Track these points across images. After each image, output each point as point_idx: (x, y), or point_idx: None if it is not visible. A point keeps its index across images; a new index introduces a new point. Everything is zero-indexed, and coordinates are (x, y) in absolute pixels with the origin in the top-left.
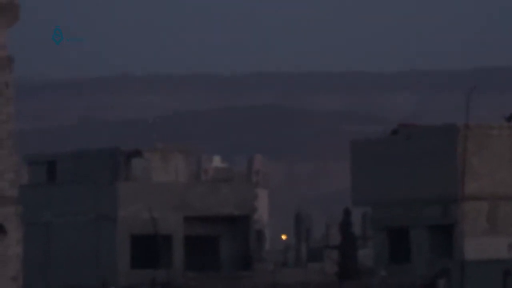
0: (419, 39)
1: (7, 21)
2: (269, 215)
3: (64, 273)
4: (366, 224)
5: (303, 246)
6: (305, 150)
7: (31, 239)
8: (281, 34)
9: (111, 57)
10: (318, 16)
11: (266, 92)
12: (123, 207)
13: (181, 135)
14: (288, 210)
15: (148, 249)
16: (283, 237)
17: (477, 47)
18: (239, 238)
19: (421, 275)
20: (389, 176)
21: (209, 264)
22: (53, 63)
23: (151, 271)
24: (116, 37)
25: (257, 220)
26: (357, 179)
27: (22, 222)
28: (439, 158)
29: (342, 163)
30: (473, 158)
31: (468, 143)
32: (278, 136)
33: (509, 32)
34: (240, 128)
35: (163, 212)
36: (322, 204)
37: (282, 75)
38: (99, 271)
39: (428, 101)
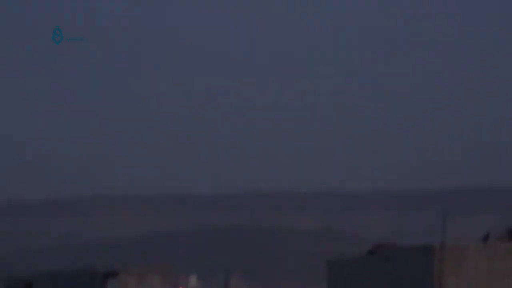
0: (395, 157)
1: None
2: None
3: None
4: None
5: None
6: (282, 270)
7: None
8: (258, 152)
9: (88, 177)
10: (295, 132)
11: (241, 212)
12: None
13: (157, 255)
14: None
15: None
16: None
17: (452, 166)
18: None
19: None
20: None
21: None
22: (28, 185)
23: None
24: (87, 157)
25: None
26: None
27: None
28: (416, 278)
29: (320, 283)
30: (449, 278)
31: (445, 263)
32: (254, 255)
33: (483, 150)
34: (217, 248)
35: None
36: None
37: (258, 195)
38: None
39: (403, 220)
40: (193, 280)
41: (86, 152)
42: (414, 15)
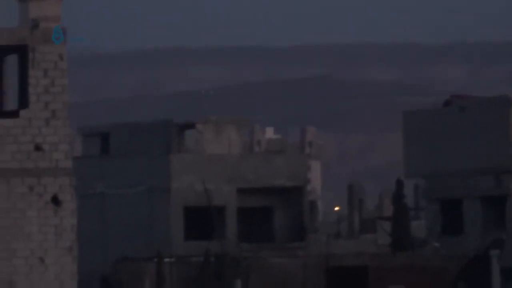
0: (471, 10)
1: None
2: (322, 186)
3: (119, 244)
4: (418, 195)
5: (356, 217)
6: (357, 122)
7: (85, 211)
8: (332, 6)
9: (163, 30)
10: None
11: (318, 64)
12: (176, 179)
13: (234, 107)
14: (340, 182)
15: (202, 220)
16: (336, 208)
17: None
18: (292, 209)
19: (474, 246)
20: (442, 148)
21: (262, 235)
22: (106, 35)
23: (204, 242)
24: (169, 10)
25: (310, 192)
26: (410, 150)
27: (76, 193)
28: (492, 129)
29: (395, 134)
30: None
31: None
32: (331, 108)
33: None
34: (293, 100)
35: (216, 183)
36: (374, 176)
37: (334, 46)
38: (154, 242)
39: (479, 72)
40: (269, 131)
41: (163, 4)
42: None
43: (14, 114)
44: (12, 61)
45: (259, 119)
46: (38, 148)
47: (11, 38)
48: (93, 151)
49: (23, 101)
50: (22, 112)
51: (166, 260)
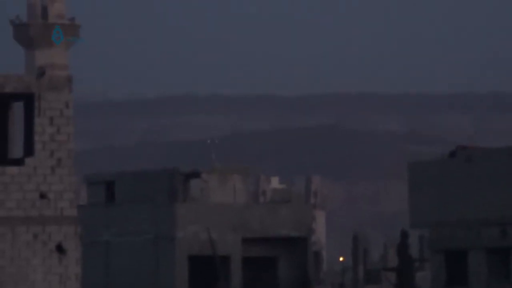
0: (478, 61)
1: (68, 42)
2: (327, 236)
3: None
4: (423, 246)
5: (361, 268)
6: (364, 171)
7: (90, 259)
8: (339, 55)
9: (172, 77)
10: (380, 37)
11: (325, 113)
12: (182, 228)
13: (239, 155)
14: (346, 231)
15: (206, 269)
16: (341, 258)
17: None
18: (296, 259)
19: None
20: (447, 198)
21: (266, 285)
22: (112, 84)
23: None
24: (176, 58)
25: (315, 242)
26: (415, 200)
27: (81, 242)
28: (498, 180)
29: (401, 184)
30: None
31: None
32: (337, 156)
33: None
34: (299, 148)
35: (221, 233)
36: (380, 225)
37: (341, 96)
38: None
39: (486, 122)
40: (274, 180)
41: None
42: None
43: (19, 162)
44: (18, 108)
45: (264, 168)
46: (43, 196)
47: (17, 85)
48: (98, 199)
49: (29, 149)
50: (28, 160)
51: None
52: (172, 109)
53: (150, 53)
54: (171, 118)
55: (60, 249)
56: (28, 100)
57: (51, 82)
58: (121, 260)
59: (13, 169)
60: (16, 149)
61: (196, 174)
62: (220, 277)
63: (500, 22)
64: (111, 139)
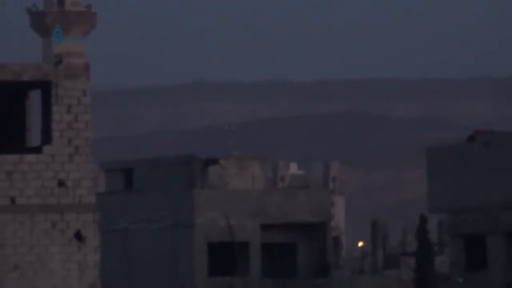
0: (496, 47)
1: (84, 29)
2: (346, 222)
3: (142, 280)
4: (442, 231)
5: (380, 253)
6: (382, 157)
7: (108, 247)
8: (356, 41)
9: (188, 64)
10: (396, 22)
11: (343, 99)
12: (200, 215)
13: (257, 142)
14: (364, 217)
15: (225, 256)
16: (360, 244)
17: None
18: (315, 245)
19: (498, 282)
20: (465, 183)
21: (286, 272)
22: (127, 72)
23: (228, 279)
24: (192, 45)
25: (334, 227)
26: (433, 186)
27: (100, 229)
28: None
29: (419, 170)
30: None
31: None
32: (355, 143)
33: None
34: (317, 135)
35: (240, 219)
36: (399, 211)
37: (359, 82)
38: (177, 278)
39: (504, 108)
40: (293, 166)
41: (185, 39)
42: None
43: (37, 150)
44: (35, 96)
45: (282, 154)
46: (61, 184)
47: (34, 73)
48: (116, 187)
49: (46, 137)
50: (46, 148)
51: None
52: (188, 97)
53: (166, 41)
54: (187, 105)
55: (78, 236)
56: (46, 88)
57: (68, 70)
58: (139, 247)
59: (31, 157)
60: (34, 138)
61: (214, 161)
62: (239, 263)
63: None
64: (127, 126)
